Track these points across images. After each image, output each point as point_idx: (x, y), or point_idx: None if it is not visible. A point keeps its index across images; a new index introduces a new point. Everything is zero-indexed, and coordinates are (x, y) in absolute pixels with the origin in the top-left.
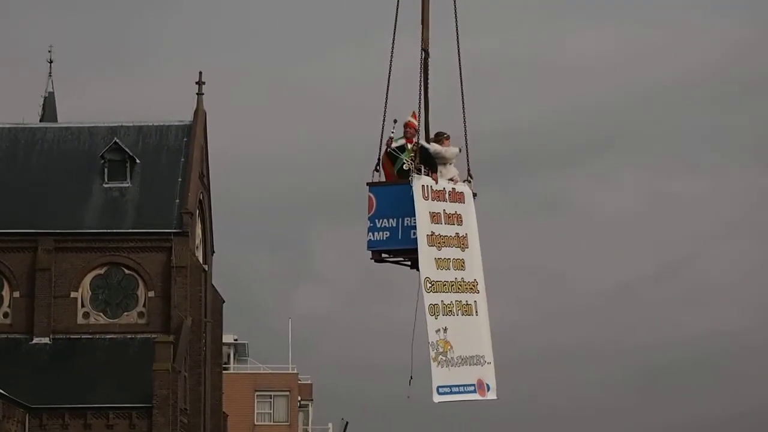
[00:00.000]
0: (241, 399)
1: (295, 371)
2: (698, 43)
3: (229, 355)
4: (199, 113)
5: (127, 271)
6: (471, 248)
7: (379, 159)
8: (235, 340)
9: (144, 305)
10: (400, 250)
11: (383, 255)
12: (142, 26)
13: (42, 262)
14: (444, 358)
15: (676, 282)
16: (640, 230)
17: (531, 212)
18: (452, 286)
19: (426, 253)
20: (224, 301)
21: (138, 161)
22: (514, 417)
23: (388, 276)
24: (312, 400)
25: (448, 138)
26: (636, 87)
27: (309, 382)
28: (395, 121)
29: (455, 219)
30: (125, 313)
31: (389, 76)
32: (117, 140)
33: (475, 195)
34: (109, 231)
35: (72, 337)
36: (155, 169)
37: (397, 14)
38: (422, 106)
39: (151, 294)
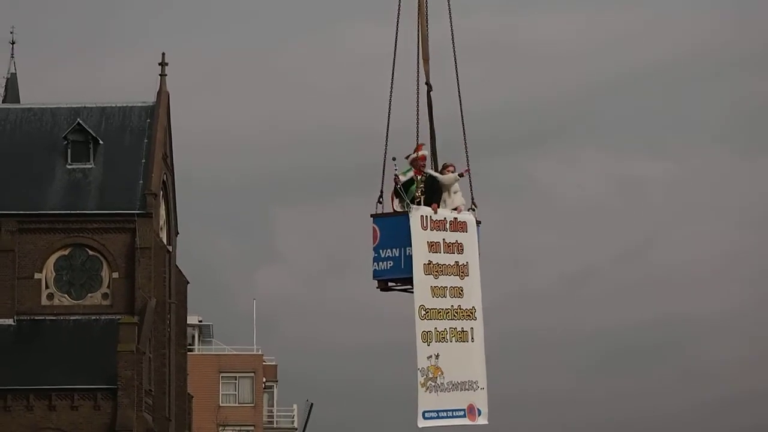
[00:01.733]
0: (205, 380)
1: (260, 352)
2: (662, 31)
3: (193, 337)
4: (163, 94)
5: (90, 252)
6: (471, 276)
7: (381, 191)
8: (200, 321)
9: (108, 286)
10: (404, 278)
11: (390, 284)
12: (106, 7)
13: (5, 244)
14: (433, 384)
15: (638, 265)
16: (603, 214)
17: (493, 196)
18: (448, 313)
19: (421, 282)
20: (188, 282)
21: (101, 142)
22: None
23: (351, 258)
24: (277, 381)
25: (453, 169)
26: (600, 73)
27: (274, 363)
28: (394, 159)
29: (456, 248)
30: (89, 294)
31: (389, 106)
32: (80, 121)
33: (479, 223)
34: (72, 212)
35: (36, 318)
36: (118, 150)
37: (396, 47)
38: (419, 135)
39: (115, 275)
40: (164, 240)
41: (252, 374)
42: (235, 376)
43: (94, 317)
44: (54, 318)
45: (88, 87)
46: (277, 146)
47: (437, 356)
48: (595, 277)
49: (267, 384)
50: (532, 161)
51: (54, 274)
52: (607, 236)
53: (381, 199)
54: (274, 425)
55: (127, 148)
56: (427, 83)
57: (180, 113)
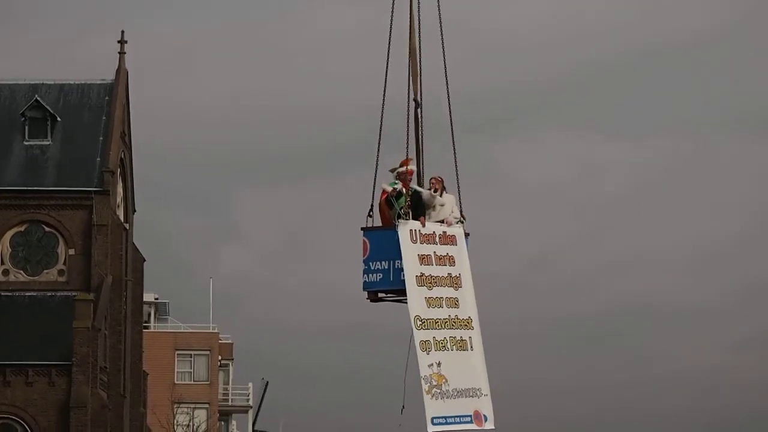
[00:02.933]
0: (161, 358)
1: (216, 330)
2: (623, 18)
3: (149, 314)
4: (121, 72)
5: (47, 229)
6: (464, 287)
7: (372, 205)
8: (156, 299)
9: (64, 263)
10: (393, 290)
11: (380, 295)
12: None
13: None
14: (438, 391)
15: (597, 249)
16: (563, 197)
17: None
18: (445, 323)
19: (415, 293)
20: (145, 260)
21: (59, 119)
22: None
23: (313, 238)
24: (233, 359)
25: (440, 181)
26: (562, 59)
27: (230, 341)
28: (392, 171)
29: (447, 260)
30: (45, 271)
31: (381, 127)
32: (38, 98)
33: (467, 235)
34: (29, 188)
35: None
36: (76, 128)
37: (387, 64)
38: (409, 148)
39: (71, 252)
40: (121, 217)
41: (208, 352)
42: (191, 354)
43: (50, 294)
44: (9, 294)
45: (47, 63)
46: (240, 124)
47: (439, 364)
48: (555, 261)
49: (223, 362)
50: (494, 144)
51: (10, 250)
52: (567, 219)
53: (371, 213)
54: (230, 403)
55: (85, 126)
56: (415, 100)
57: (144, 89)
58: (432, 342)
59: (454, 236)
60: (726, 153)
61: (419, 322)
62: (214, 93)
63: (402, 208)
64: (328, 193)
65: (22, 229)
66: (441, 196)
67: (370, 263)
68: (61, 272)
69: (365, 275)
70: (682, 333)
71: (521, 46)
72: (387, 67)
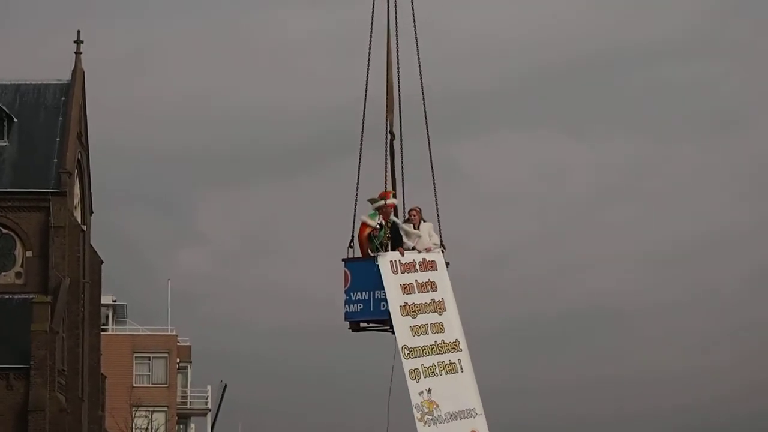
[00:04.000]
0: (119, 360)
1: (174, 333)
2: (584, 20)
3: (107, 317)
4: (78, 72)
5: (4, 231)
6: (448, 311)
7: (352, 236)
8: (114, 301)
9: (21, 265)
10: (374, 320)
11: (362, 324)
12: None
13: None
14: (430, 417)
15: (556, 250)
16: (523, 198)
17: (415, 180)
18: (432, 348)
19: (400, 323)
20: (103, 262)
21: (15, 120)
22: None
23: (272, 239)
24: (191, 362)
25: (419, 211)
26: (523, 61)
27: (188, 344)
28: (371, 202)
29: (429, 286)
30: (2, 273)
31: (359, 164)
32: None
33: (447, 264)
34: None
35: None
36: (33, 128)
37: (366, 92)
38: (386, 182)
39: (28, 254)
40: (79, 219)
41: (166, 355)
42: (149, 357)
43: (7, 296)
44: None
45: (2, 64)
46: (199, 125)
47: (429, 391)
48: (513, 262)
49: (181, 365)
50: (454, 144)
51: None
52: (527, 220)
53: (351, 244)
54: (188, 406)
55: (42, 126)
56: (391, 132)
57: (102, 89)
58: (421, 369)
59: (434, 261)
60: (685, 155)
61: (407, 351)
62: (172, 93)
63: (381, 241)
64: (286, 193)
65: None
66: (419, 226)
67: (351, 294)
68: (18, 274)
69: (346, 305)
70: (642, 334)
71: (482, 49)
72: (366, 90)
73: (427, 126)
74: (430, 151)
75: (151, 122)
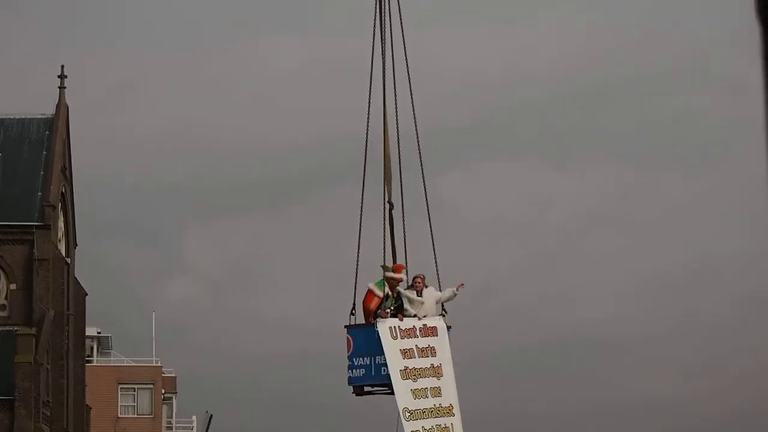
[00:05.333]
0: (104, 392)
1: (159, 364)
2: (567, 53)
3: (92, 348)
4: (62, 106)
5: None
6: (445, 376)
7: (354, 303)
8: (99, 333)
9: (6, 297)
10: (376, 384)
11: (365, 389)
12: (4, 17)
13: None
14: None
15: (542, 280)
16: (508, 228)
17: (406, 215)
18: (431, 412)
19: (401, 387)
20: (87, 294)
21: None
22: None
23: (258, 270)
24: (176, 392)
25: (423, 278)
26: (509, 94)
27: (173, 374)
28: (383, 268)
29: (429, 351)
30: None
31: (360, 228)
32: None
33: (449, 327)
34: None
35: None
36: (17, 162)
37: (365, 157)
38: (389, 255)
39: (13, 286)
40: (63, 252)
41: (151, 386)
42: (134, 388)
43: None
44: None
45: None
46: (186, 156)
47: None
48: (498, 291)
49: (166, 396)
50: (439, 177)
51: None
52: (512, 250)
53: (353, 311)
54: None
55: (26, 160)
56: (389, 202)
57: (86, 123)
58: (422, 431)
59: (435, 327)
60: (670, 185)
61: (408, 414)
62: (157, 126)
63: (388, 308)
64: (272, 224)
65: None
66: (422, 293)
67: (354, 359)
68: (2, 307)
69: (350, 370)
70: (628, 363)
71: (466, 82)
72: (367, 131)
73: (422, 167)
74: (425, 191)
75: (136, 154)
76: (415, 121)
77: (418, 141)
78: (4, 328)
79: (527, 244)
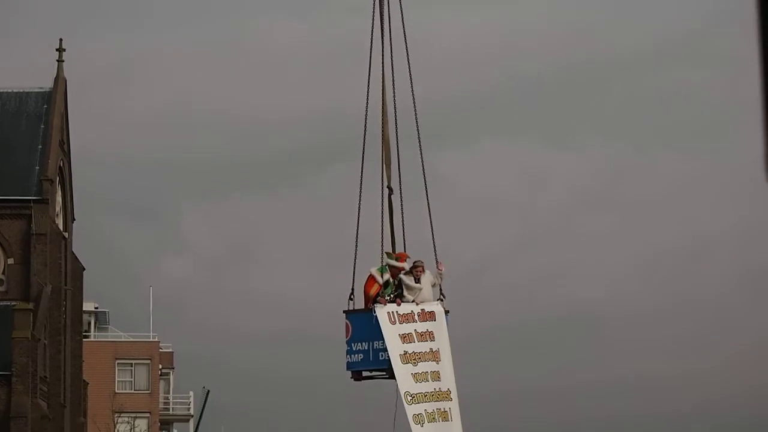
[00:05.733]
0: (101, 367)
1: (156, 339)
2: (565, 30)
3: (89, 323)
4: (60, 80)
5: None
6: (443, 361)
7: (353, 288)
8: (96, 308)
9: (3, 272)
10: (374, 369)
11: (363, 374)
12: None
13: None
14: None
15: (537, 257)
16: (504, 206)
17: (403, 190)
18: (432, 395)
19: (402, 370)
20: (84, 269)
21: None
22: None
23: (255, 248)
24: (173, 368)
25: (422, 265)
26: (505, 70)
27: (170, 350)
28: (387, 255)
29: (428, 336)
30: None
31: (357, 231)
32: None
33: (447, 312)
34: None
35: None
36: (15, 136)
37: (362, 172)
38: (390, 241)
39: (10, 261)
40: (60, 226)
41: (148, 361)
42: (131, 363)
43: None
44: None
45: None
46: (184, 133)
47: None
48: (494, 269)
49: (163, 371)
50: (436, 153)
51: None
52: (508, 227)
53: (352, 296)
54: (171, 412)
55: (24, 134)
56: (389, 187)
57: (85, 97)
58: (424, 414)
59: (432, 312)
60: (667, 163)
61: (409, 398)
62: (155, 101)
63: (388, 296)
64: (268, 201)
65: None
66: (420, 279)
67: (352, 344)
68: (0, 282)
69: (348, 356)
70: (621, 340)
71: (463, 57)
72: (366, 109)
73: (420, 142)
74: (423, 168)
75: (134, 130)
76: (414, 105)
77: (417, 126)
78: (1, 303)
79: (524, 222)
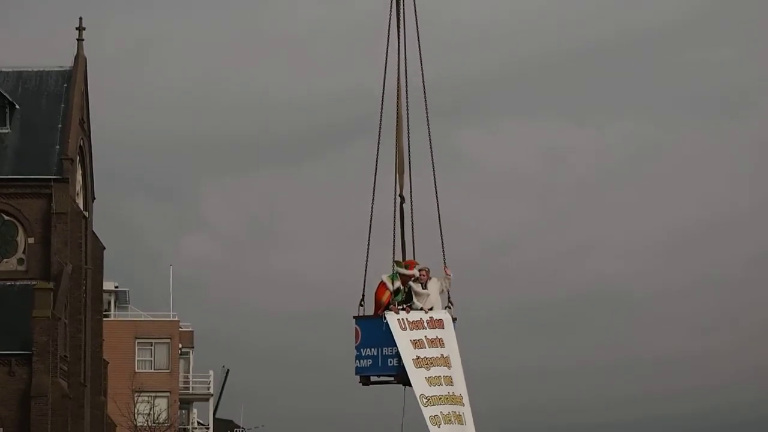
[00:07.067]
0: (121, 346)
1: (176, 318)
2: (585, 7)
3: (109, 302)
4: (80, 59)
5: (6, 218)
6: (454, 367)
7: (363, 295)
8: (116, 287)
9: (24, 252)
10: (383, 374)
11: (372, 379)
12: None
13: None
14: None
15: (561, 235)
16: (528, 183)
17: (417, 164)
18: (446, 399)
19: (416, 374)
20: (104, 248)
21: (17, 107)
22: None
23: (275, 227)
24: (193, 347)
25: (428, 272)
26: (527, 47)
27: (190, 329)
28: (396, 264)
29: (438, 342)
30: (4, 260)
31: (369, 237)
32: None
33: (455, 319)
34: None
35: None
36: (35, 115)
37: (377, 157)
38: (401, 250)
39: (30, 240)
40: (81, 205)
41: (168, 340)
42: (151, 342)
43: (9, 282)
44: None
45: (4, 51)
46: (204, 112)
47: None
48: (516, 247)
49: (183, 350)
50: (459, 130)
51: None
52: (530, 205)
53: (362, 302)
54: (190, 391)
55: (44, 113)
56: (401, 195)
57: (105, 76)
58: (440, 416)
59: (441, 320)
60: (688, 139)
61: (425, 400)
62: (176, 80)
63: (399, 303)
64: (289, 180)
65: None
66: (427, 285)
67: (362, 350)
68: (20, 261)
69: (357, 361)
70: (645, 317)
71: (486, 35)
72: (384, 86)
73: (428, 118)
74: (430, 144)
75: (154, 109)
76: (423, 88)
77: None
78: (22, 282)
79: (545, 199)
